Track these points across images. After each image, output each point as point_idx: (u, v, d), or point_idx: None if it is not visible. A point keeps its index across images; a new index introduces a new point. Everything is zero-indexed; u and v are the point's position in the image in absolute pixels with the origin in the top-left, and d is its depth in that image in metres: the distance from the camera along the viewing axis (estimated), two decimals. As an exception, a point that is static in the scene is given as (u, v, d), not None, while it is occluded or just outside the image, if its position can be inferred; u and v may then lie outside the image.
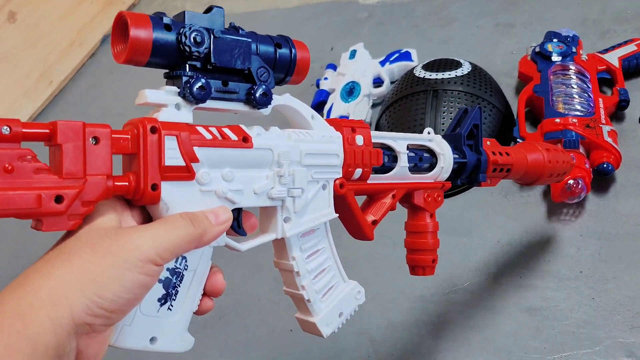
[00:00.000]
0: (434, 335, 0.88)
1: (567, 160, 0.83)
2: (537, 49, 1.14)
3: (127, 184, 0.44)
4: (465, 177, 0.71)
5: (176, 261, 0.46)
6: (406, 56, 1.30)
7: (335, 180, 0.56)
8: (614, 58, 1.11)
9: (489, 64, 1.24)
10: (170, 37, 0.44)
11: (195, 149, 0.46)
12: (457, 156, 0.69)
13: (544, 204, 0.98)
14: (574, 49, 1.12)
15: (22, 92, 1.62)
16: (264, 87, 0.50)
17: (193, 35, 0.45)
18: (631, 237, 0.90)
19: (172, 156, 0.44)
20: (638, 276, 0.85)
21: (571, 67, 1.08)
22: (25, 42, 1.60)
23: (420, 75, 1.11)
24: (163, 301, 0.46)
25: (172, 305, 0.46)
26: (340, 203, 0.58)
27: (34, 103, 1.68)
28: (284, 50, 0.52)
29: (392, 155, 0.62)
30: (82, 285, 0.38)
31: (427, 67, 1.13)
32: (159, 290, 0.46)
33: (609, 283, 0.85)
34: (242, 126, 0.50)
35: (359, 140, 0.58)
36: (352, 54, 1.32)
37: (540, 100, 1.05)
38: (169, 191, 0.45)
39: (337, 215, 0.57)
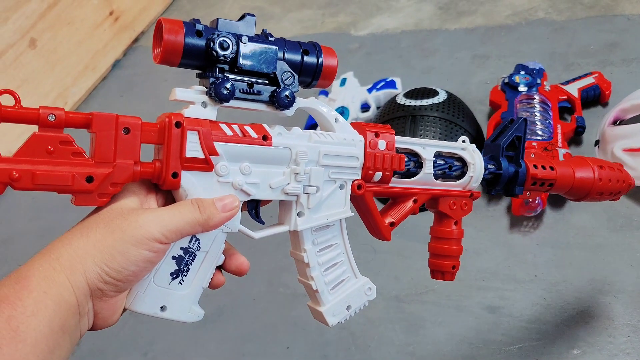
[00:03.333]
0: (406, 331, 1.00)
1: (622, 180, 0.79)
2: (506, 80, 1.27)
3: (152, 170, 0.49)
4: (500, 189, 0.70)
5: (190, 242, 0.51)
6: (391, 84, 1.44)
7: (353, 181, 0.59)
8: (574, 89, 1.24)
9: (465, 92, 1.38)
10: (200, 42, 0.49)
11: (216, 143, 0.50)
12: (492, 167, 0.68)
13: (506, 217, 1.11)
14: (539, 81, 1.26)
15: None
16: (286, 90, 0.53)
17: (220, 40, 0.49)
18: (581, 246, 1.02)
19: (193, 149, 0.49)
20: (585, 279, 0.97)
21: (535, 96, 1.22)
22: (45, 66, 1.75)
23: (401, 102, 1.25)
24: (175, 275, 0.51)
25: (183, 280, 0.51)
26: (360, 203, 0.61)
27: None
28: (310, 57, 0.54)
29: (418, 162, 0.63)
30: (94, 255, 0.44)
31: (408, 95, 1.27)
32: (172, 266, 0.51)
33: (559, 285, 0.98)
34: (265, 125, 0.54)
35: (381, 144, 0.59)
36: (343, 82, 1.46)
37: (507, 125, 1.19)
38: (189, 179, 0.50)
39: (352, 214, 0.60)
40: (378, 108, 1.40)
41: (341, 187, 0.58)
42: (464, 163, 0.67)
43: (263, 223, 0.57)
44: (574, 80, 1.27)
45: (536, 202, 1.04)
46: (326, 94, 1.48)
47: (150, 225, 0.46)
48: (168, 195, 0.52)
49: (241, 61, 0.50)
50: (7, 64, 1.64)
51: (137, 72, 1.97)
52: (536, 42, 1.48)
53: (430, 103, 1.22)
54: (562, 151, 1.10)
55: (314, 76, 0.55)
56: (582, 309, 0.94)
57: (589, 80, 1.25)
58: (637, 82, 1.23)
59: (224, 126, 0.52)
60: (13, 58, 1.66)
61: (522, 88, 1.24)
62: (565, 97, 1.23)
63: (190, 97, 0.50)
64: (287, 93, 0.53)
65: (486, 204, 1.15)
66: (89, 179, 0.45)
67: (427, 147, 0.63)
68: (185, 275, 0.52)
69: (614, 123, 1.13)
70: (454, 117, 1.21)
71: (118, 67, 2.02)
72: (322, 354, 1.01)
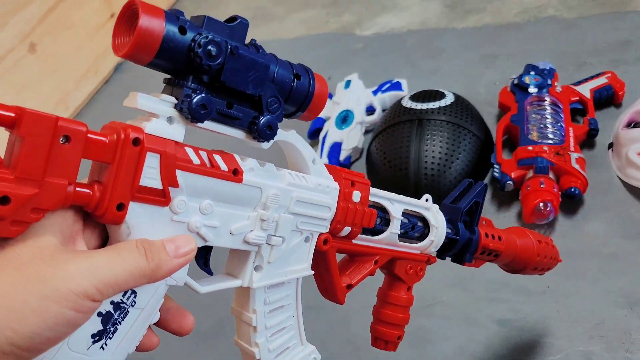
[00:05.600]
0: (413, 345, 0.96)
1: (554, 257, 0.79)
2: (516, 81, 1.23)
3: (89, 195, 0.37)
4: (450, 254, 0.66)
5: (123, 295, 0.40)
6: (397, 86, 1.40)
7: (320, 235, 0.51)
8: (586, 90, 1.20)
9: (473, 94, 1.33)
10: (183, 40, 0.38)
11: (179, 172, 0.40)
12: (449, 231, 0.63)
13: (517, 225, 1.07)
14: (549, 81, 1.21)
15: (41, 117, 1.74)
16: (270, 118, 0.44)
17: (209, 47, 0.39)
18: (595, 255, 0.98)
19: (150, 176, 0.38)
20: (598, 291, 0.93)
21: (546, 98, 1.18)
22: (45, 71, 1.72)
23: (407, 106, 1.21)
24: (97, 338, 0.39)
25: (106, 344, 0.39)
26: (320, 259, 0.54)
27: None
28: (302, 83, 0.46)
29: (385, 218, 0.57)
30: None
31: (414, 97, 1.23)
32: (95, 325, 0.38)
33: (572, 297, 0.94)
34: (237, 156, 0.45)
35: (356, 196, 0.53)
36: (347, 84, 1.42)
37: (517, 129, 1.14)
38: (137, 213, 0.39)
39: (312, 272, 0.52)
40: (384, 111, 1.37)
41: (306, 239, 0.51)
42: (425, 224, 0.61)
43: (211, 274, 0.47)
44: (585, 80, 1.22)
45: (548, 209, 1.00)
46: (331, 96, 1.45)
47: (83, 276, 0.34)
48: (98, 228, 0.40)
49: (226, 75, 0.40)
50: (7, 69, 1.62)
51: (139, 75, 1.94)
52: (546, 41, 1.44)
53: (437, 106, 1.18)
54: (574, 155, 1.06)
55: (301, 106, 0.46)
56: (597, 322, 0.90)
57: (602, 80, 1.21)
58: (652, 82, 1.18)
59: (190, 151, 0.41)
60: (12, 63, 1.64)
61: (533, 89, 1.20)
62: (577, 98, 1.19)
63: (154, 107, 0.39)
64: (270, 123, 0.44)
65: (496, 211, 1.11)
66: (4, 200, 0.32)
67: (395, 203, 0.58)
68: (110, 338, 0.39)
69: (629, 125, 1.09)
70: (462, 120, 1.17)
71: (119, 71, 1.99)
72: (327, 369, 0.98)
